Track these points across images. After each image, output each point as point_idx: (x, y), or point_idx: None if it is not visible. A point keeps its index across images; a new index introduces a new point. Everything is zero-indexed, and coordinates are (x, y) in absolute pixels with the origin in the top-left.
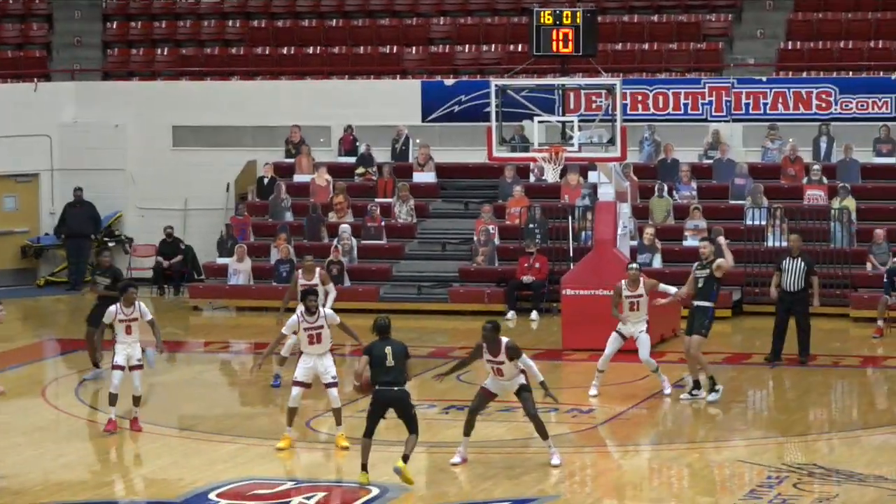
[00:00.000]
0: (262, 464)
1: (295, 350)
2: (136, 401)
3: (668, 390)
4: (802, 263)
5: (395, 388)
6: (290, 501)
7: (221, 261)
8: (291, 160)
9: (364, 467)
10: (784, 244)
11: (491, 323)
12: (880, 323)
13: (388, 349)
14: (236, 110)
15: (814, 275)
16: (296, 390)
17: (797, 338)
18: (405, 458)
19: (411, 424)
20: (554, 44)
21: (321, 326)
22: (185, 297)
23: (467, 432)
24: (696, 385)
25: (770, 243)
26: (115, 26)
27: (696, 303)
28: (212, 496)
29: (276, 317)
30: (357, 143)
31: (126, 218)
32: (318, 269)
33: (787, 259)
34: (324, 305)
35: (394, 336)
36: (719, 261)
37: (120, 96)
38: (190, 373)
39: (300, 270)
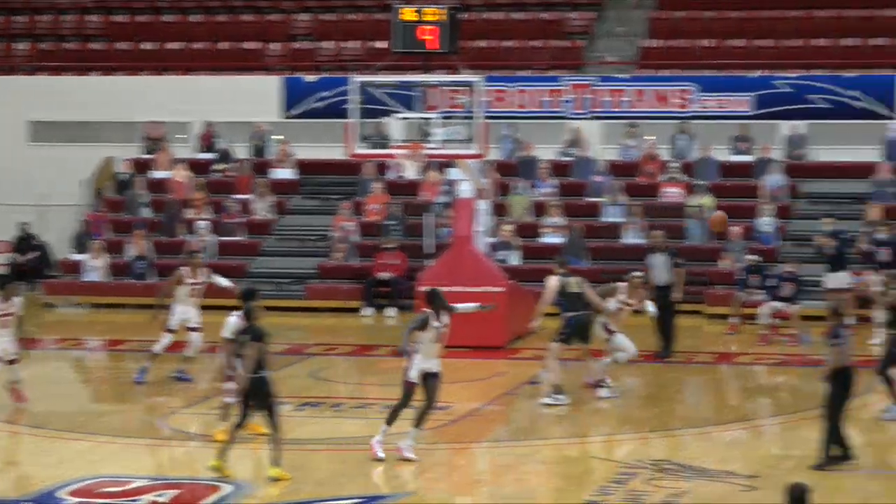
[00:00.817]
0: (114, 461)
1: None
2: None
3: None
4: (667, 258)
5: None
6: (141, 499)
7: (77, 257)
8: (150, 156)
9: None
10: (641, 241)
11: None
12: (734, 320)
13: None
14: (95, 106)
15: (677, 267)
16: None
17: (662, 331)
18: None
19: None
20: (416, 40)
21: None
22: (40, 293)
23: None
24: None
25: (626, 241)
26: None
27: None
28: (63, 494)
29: (152, 313)
30: (216, 139)
31: None
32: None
33: (652, 255)
34: None
35: None
36: None
37: None
38: (43, 370)
39: (186, 268)
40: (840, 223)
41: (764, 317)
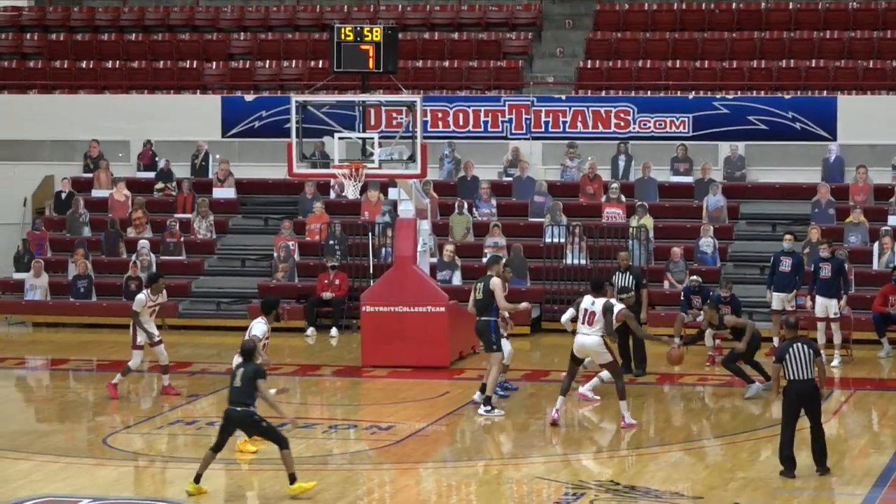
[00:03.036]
0: (56, 481)
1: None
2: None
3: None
4: (631, 277)
5: (238, 409)
6: None
7: (18, 276)
8: (90, 175)
9: (197, 479)
10: (582, 262)
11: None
12: (677, 340)
13: (239, 371)
14: (34, 124)
15: (643, 287)
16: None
17: (633, 350)
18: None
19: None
20: (355, 60)
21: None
22: None
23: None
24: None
25: (569, 261)
26: None
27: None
28: None
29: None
30: (156, 158)
31: None
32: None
33: (618, 274)
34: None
35: (192, 352)
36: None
37: None
38: None
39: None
40: (798, 243)
41: (708, 338)
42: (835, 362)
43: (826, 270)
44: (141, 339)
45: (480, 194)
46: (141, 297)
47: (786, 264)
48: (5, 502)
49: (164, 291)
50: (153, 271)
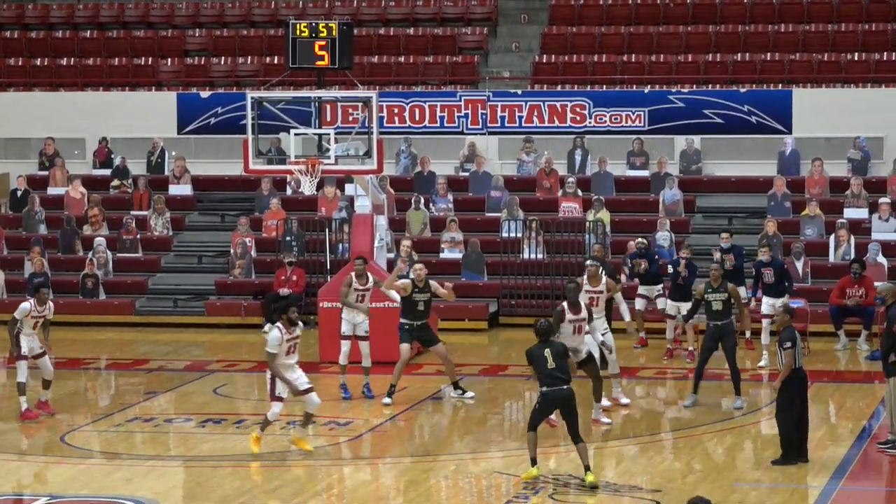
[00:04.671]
0: (14, 479)
1: None
2: (47, 384)
3: (624, 400)
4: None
5: (565, 388)
6: None
7: None
8: (45, 172)
9: (533, 461)
10: (540, 256)
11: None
12: (641, 333)
13: (546, 351)
14: None
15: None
16: (278, 406)
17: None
18: (587, 469)
19: (575, 426)
20: (310, 56)
21: (298, 337)
22: None
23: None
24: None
25: (526, 255)
26: None
27: None
28: None
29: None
30: (112, 156)
31: None
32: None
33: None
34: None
35: (149, 349)
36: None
37: None
38: None
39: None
40: (737, 238)
41: (669, 330)
42: (762, 362)
43: (769, 275)
44: (25, 348)
45: (437, 189)
46: (26, 305)
47: (767, 276)
48: None
49: (51, 304)
50: (39, 280)
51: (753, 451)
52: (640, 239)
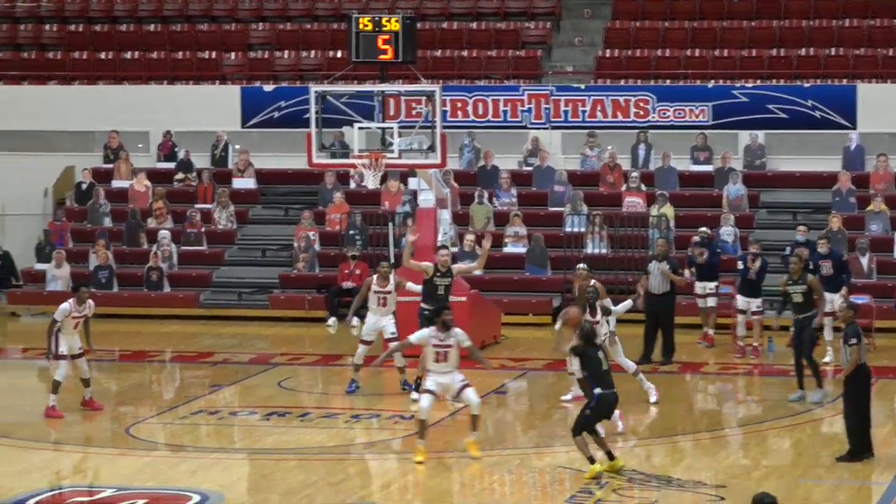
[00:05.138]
0: (80, 471)
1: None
2: (87, 383)
3: (653, 398)
4: (668, 267)
5: (615, 391)
6: None
7: (40, 266)
8: (110, 166)
9: (592, 460)
10: (603, 251)
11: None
12: (709, 331)
13: (600, 353)
14: (54, 115)
15: (679, 277)
16: (426, 399)
17: (662, 339)
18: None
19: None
20: (373, 50)
21: (450, 346)
22: (2, 303)
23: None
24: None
25: (589, 250)
26: None
27: None
28: None
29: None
30: (176, 149)
31: None
32: None
33: (654, 263)
34: None
35: (214, 342)
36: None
37: None
38: (7, 379)
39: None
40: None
41: (740, 327)
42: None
43: (826, 268)
44: (64, 348)
45: (501, 184)
46: (66, 305)
47: (825, 268)
48: (29, 492)
49: (91, 302)
50: (79, 281)
51: (818, 447)
52: (703, 228)
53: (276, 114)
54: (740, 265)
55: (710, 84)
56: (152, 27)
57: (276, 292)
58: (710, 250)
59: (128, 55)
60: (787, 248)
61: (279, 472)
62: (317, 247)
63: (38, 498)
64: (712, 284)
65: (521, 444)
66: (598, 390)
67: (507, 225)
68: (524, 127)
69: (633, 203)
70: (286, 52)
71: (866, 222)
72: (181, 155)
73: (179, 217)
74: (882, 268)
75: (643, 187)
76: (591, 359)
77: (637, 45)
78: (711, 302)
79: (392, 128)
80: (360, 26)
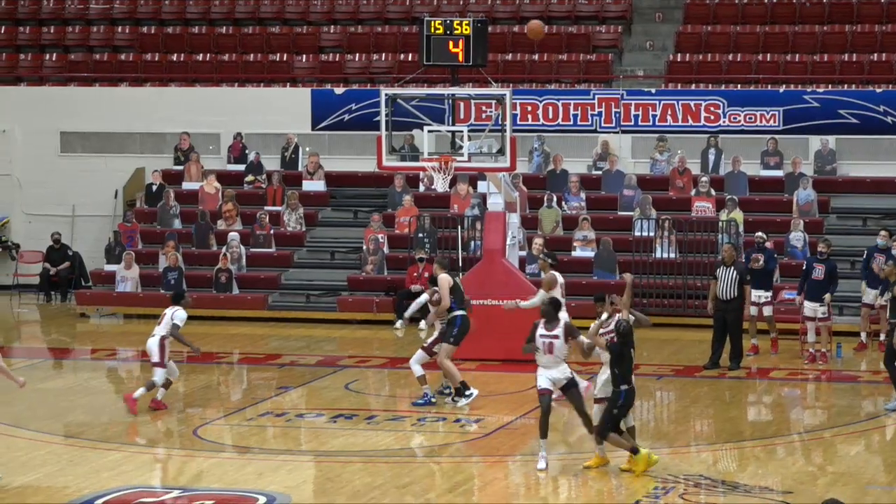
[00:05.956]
0: (147, 472)
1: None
2: (168, 384)
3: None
4: (735, 273)
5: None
6: None
7: (109, 268)
8: (180, 167)
9: (634, 450)
10: (672, 255)
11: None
12: (754, 341)
13: (632, 351)
14: (125, 116)
15: (746, 283)
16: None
17: (730, 345)
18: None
19: None
20: (444, 53)
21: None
22: (72, 303)
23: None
24: (458, 392)
25: (658, 255)
26: (2, 31)
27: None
28: None
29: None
30: (246, 151)
31: (13, 224)
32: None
33: (721, 269)
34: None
35: (281, 344)
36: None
37: (7, 101)
38: (76, 380)
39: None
40: (871, 238)
41: (811, 333)
42: None
43: (818, 273)
44: (167, 353)
45: (570, 187)
46: (184, 314)
47: (879, 262)
48: (97, 492)
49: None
50: (180, 289)
51: (887, 453)
52: (759, 234)
53: (347, 116)
54: (815, 272)
55: (781, 89)
56: (224, 29)
57: (345, 295)
58: (766, 256)
59: (199, 57)
60: (865, 251)
61: (345, 475)
62: (385, 249)
63: (106, 498)
64: (767, 294)
65: (586, 447)
66: (624, 387)
67: (576, 229)
68: (594, 131)
69: (702, 207)
70: (357, 54)
71: None
72: (251, 157)
73: (249, 219)
74: None
75: (713, 192)
76: (626, 358)
77: (708, 50)
78: (767, 311)
79: (462, 131)
80: (432, 29)
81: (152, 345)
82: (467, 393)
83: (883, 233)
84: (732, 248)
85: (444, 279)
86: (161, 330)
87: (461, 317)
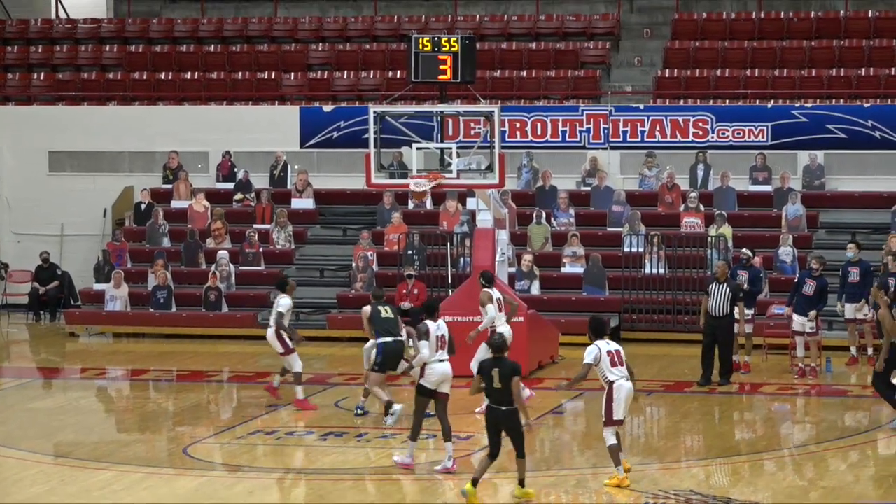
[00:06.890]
0: (137, 491)
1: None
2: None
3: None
4: (727, 289)
5: (503, 408)
6: None
7: (98, 287)
8: (169, 186)
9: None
10: (661, 271)
11: None
12: (747, 358)
13: (494, 370)
14: (113, 135)
15: (739, 301)
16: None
17: (720, 361)
18: (521, 482)
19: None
20: (432, 70)
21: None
22: (61, 323)
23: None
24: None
25: (648, 270)
26: None
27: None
28: None
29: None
30: (235, 169)
31: (2, 243)
32: None
33: (714, 285)
34: None
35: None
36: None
37: None
38: (66, 399)
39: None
40: (863, 252)
41: (800, 348)
42: None
43: (808, 288)
44: (288, 341)
45: (559, 204)
46: (289, 301)
47: (854, 274)
48: None
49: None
50: (281, 277)
51: (877, 468)
52: (744, 250)
53: (335, 134)
54: (805, 287)
55: (770, 104)
56: (212, 48)
57: (334, 312)
58: (750, 274)
59: (188, 76)
60: (840, 268)
61: (336, 493)
62: (375, 267)
63: None
64: (749, 312)
65: (577, 464)
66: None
67: (565, 245)
68: (583, 147)
69: (691, 223)
70: (345, 72)
71: None
72: (240, 175)
73: (238, 237)
74: None
75: (702, 207)
76: (483, 373)
77: (696, 65)
78: (748, 329)
79: (451, 148)
80: (420, 47)
81: (271, 337)
82: (391, 411)
83: (850, 245)
84: (726, 266)
85: (363, 312)
86: (272, 321)
87: (381, 344)
